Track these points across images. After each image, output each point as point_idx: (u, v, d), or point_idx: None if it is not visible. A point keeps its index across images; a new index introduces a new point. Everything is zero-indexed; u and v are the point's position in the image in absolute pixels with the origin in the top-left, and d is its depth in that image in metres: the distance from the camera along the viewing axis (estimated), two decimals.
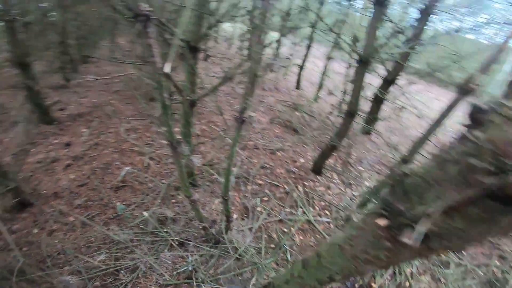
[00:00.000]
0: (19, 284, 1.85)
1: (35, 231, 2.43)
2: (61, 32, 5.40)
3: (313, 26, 6.68)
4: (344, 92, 6.29)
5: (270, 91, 6.91)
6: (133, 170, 3.09)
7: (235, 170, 3.38)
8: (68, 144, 3.56)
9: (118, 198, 2.83)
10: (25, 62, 3.65)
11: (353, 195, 3.55)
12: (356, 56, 3.02)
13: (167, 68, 1.29)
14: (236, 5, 3.12)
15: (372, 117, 5.26)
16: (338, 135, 3.43)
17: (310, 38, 7.20)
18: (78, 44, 6.60)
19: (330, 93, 6.32)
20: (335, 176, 3.87)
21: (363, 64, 2.89)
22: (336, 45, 6.25)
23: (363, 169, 4.24)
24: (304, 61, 7.65)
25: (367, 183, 3.86)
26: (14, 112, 4.33)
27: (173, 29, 1.99)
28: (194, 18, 2.26)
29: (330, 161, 4.05)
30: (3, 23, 3.37)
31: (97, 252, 2.24)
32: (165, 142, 1.70)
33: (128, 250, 2.28)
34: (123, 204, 2.75)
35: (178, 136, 1.66)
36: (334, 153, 3.82)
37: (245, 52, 9.53)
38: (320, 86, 7.23)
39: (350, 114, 3.29)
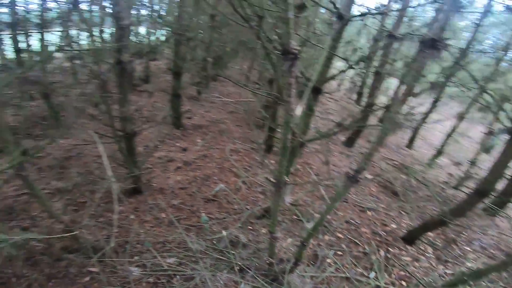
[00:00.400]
0: (89, 262, 2.13)
1: (132, 217, 2.86)
2: (206, 50, 6.48)
3: (446, 77, 5.62)
4: (473, 163, 5.13)
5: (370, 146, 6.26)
6: (226, 188, 3.32)
7: (317, 216, 3.23)
8: (184, 149, 4.17)
9: (205, 209, 3.07)
10: (179, 72, 4.54)
11: (445, 273, 3.01)
12: (508, 123, 2.40)
13: (298, 111, 1.26)
14: (372, 55, 3.03)
15: (506, 199, 4.09)
16: (454, 212, 2.84)
17: (439, 91, 6.12)
18: (214, 62, 7.78)
19: (456, 162, 5.27)
20: (429, 249, 3.33)
21: None
22: (477, 104, 5.18)
23: (470, 250, 3.53)
24: (425, 117, 6.53)
25: (469, 264, 3.22)
26: (158, 112, 5.43)
27: (304, 71, 2.04)
28: (324, 60, 2.29)
29: (429, 234, 3.50)
30: (174, 37, 4.24)
31: (168, 253, 2.43)
32: (271, 178, 1.70)
33: (193, 259, 2.40)
34: (207, 216, 2.96)
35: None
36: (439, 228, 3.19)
37: (356, 96, 9.14)
38: (441, 150, 6.09)
39: (481, 193, 2.66)
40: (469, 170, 5.18)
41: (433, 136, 7.86)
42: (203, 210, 3.04)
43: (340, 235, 3.15)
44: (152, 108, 5.71)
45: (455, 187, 5.10)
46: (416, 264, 3.02)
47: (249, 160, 4.16)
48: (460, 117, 5.87)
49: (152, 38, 8.21)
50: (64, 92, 4.94)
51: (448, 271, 3.02)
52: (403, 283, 2.73)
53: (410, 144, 6.92)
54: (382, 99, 7.11)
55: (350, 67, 2.46)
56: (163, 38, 8.43)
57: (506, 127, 2.46)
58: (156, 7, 8.12)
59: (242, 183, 3.54)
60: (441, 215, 2.91)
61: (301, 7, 3.36)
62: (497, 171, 2.53)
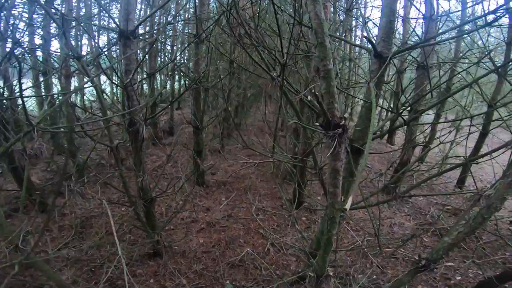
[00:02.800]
0: None
1: (151, 281, 2.95)
2: (226, 98, 6.59)
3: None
4: None
5: (419, 188, 5.96)
6: (252, 252, 3.38)
7: (362, 278, 3.09)
8: (208, 209, 4.37)
9: (230, 276, 3.11)
10: (199, 127, 4.91)
11: None
12: None
13: (348, 205, 1.08)
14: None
15: None
16: None
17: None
18: (235, 111, 8.12)
19: None
20: None
21: None
22: None
23: None
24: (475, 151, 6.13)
25: None
26: (181, 168, 5.77)
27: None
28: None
29: None
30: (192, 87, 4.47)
31: None
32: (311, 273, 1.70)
33: None
34: (232, 284, 2.98)
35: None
36: None
37: None
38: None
39: None
40: None
41: (488, 172, 7.35)
42: (227, 277, 3.08)
43: None
44: (175, 164, 6.11)
45: None
46: None
47: (277, 220, 4.24)
48: None
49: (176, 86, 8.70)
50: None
51: None
52: None
53: (460, 182, 6.46)
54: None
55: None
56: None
57: None
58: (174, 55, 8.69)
59: (271, 245, 3.59)
60: None
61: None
62: None
